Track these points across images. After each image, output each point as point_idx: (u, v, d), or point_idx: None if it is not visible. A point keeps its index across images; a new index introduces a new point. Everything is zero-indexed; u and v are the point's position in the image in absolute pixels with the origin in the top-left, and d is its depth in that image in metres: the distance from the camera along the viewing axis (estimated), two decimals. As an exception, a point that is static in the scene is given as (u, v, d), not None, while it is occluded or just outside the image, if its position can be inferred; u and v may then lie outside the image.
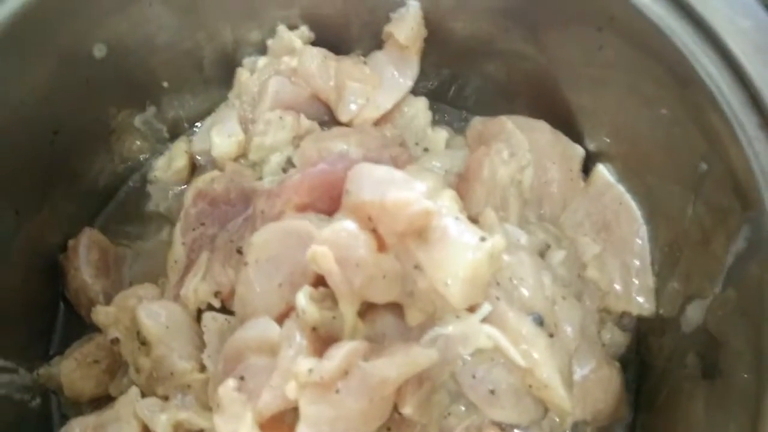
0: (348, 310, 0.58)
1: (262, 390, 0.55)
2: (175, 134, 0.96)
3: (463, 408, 0.61)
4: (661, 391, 0.72)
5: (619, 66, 0.72)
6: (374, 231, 0.58)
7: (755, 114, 0.52)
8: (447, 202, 0.62)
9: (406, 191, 0.56)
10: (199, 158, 0.93)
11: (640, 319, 0.77)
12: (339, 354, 0.53)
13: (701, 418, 0.64)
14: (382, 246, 0.58)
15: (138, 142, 0.93)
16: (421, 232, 0.56)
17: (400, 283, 0.58)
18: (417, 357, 0.55)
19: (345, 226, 0.58)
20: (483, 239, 0.55)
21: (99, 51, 0.79)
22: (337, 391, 0.53)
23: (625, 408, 0.73)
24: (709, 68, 0.56)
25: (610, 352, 0.76)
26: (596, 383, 0.68)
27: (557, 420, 0.66)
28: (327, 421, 0.54)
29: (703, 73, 0.56)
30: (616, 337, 0.77)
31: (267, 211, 0.67)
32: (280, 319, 0.60)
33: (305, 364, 0.53)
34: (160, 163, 0.93)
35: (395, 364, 0.54)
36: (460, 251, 0.54)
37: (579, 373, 0.67)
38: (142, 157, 0.95)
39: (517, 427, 0.62)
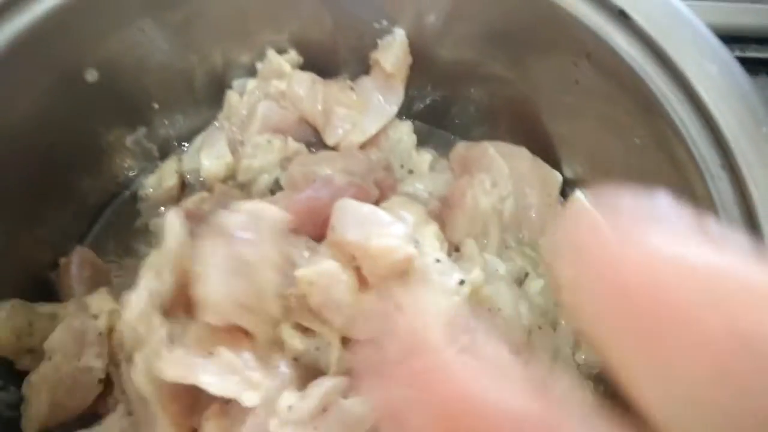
0: (333, 345, 0.60)
1: (246, 417, 0.57)
2: (164, 152, 0.98)
3: (441, 430, 0.64)
4: (631, 409, 0.75)
5: (594, 98, 0.75)
6: (357, 269, 0.60)
7: (719, 155, 0.55)
8: (429, 240, 0.64)
9: (388, 237, 0.58)
10: (189, 176, 0.95)
11: (615, 342, 0.79)
12: (317, 393, 0.55)
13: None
14: (364, 284, 0.60)
15: (128, 161, 0.95)
16: (402, 274, 0.58)
17: (381, 321, 0.60)
18: None
19: (326, 268, 0.59)
20: (462, 282, 0.57)
21: (91, 75, 0.81)
22: (315, 429, 0.55)
23: (598, 428, 0.76)
24: (678, 109, 0.59)
25: (585, 372, 0.78)
26: (570, 405, 0.70)
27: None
28: (307, 458, 0.56)
29: (672, 112, 0.59)
30: (590, 358, 0.79)
31: (253, 235, 0.69)
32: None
33: (286, 400, 0.55)
34: (150, 181, 0.95)
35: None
36: (439, 295, 0.57)
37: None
38: (131, 174, 0.97)
39: (493, 449, 0.64)
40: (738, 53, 0.94)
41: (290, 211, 0.69)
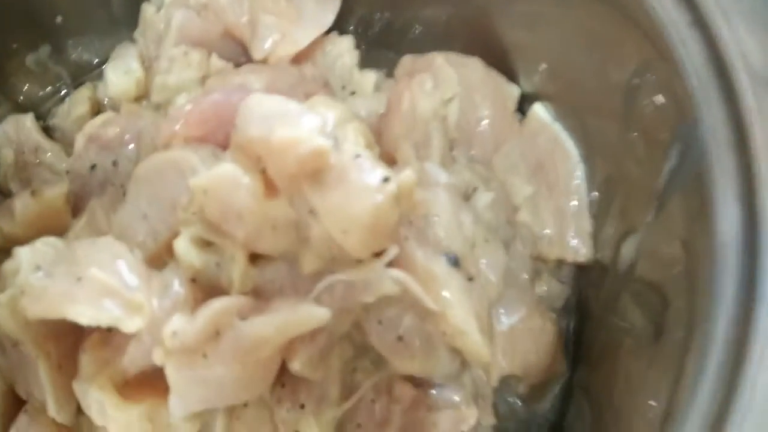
0: (238, 259, 0.51)
1: (128, 344, 0.48)
2: (78, 78, 0.87)
3: (370, 362, 0.54)
4: (598, 345, 0.66)
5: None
6: (264, 172, 0.50)
7: (687, 11, 0.46)
8: (351, 135, 0.54)
9: (295, 127, 0.48)
10: (108, 102, 0.84)
11: (580, 270, 0.71)
12: (207, 314, 0.46)
13: (641, 375, 0.58)
14: (272, 190, 0.50)
15: (34, 86, 0.83)
16: (316, 173, 0.48)
17: (294, 230, 0.50)
18: (304, 316, 0.47)
19: (222, 172, 0.49)
20: (386, 179, 0.47)
21: (-33, -27, 0.70)
22: (205, 356, 0.46)
23: (561, 362, 0.67)
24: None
25: (547, 304, 0.70)
26: (526, 333, 0.61)
27: (483, 376, 0.60)
28: (197, 390, 0.47)
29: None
30: (553, 289, 0.70)
31: (152, 144, 0.59)
32: (155, 261, 0.52)
33: (171, 324, 0.46)
34: (60, 110, 0.84)
35: (275, 324, 0.46)
36: (359, 195, 0.46)
37: (506, 323, 0.60)
38: (46, 104, 0.86)
39: (432, 382, 0.55)
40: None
41: (194, 115, 0.59)
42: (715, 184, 0.41)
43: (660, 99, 0.49)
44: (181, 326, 0.46)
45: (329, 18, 0.80)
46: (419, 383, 0.56)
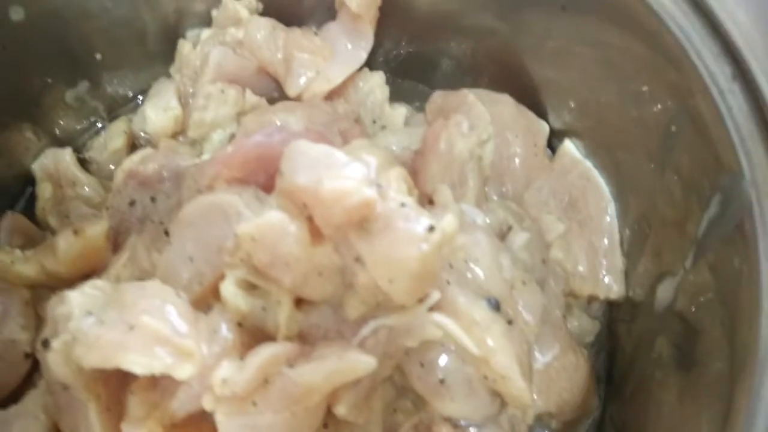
0: (284, 303, 0.52)
1: (177, 389, 0.49)
2: (113, 111, 0.89)
3: (410, 403, 0.55)
4: (630, 380, 0.67)
5: (581, 28, 0.67)
6: (310, 219, 0.51)
7: (728, 64, 0.46)
8: (394, 183, 0.55)
9: (343, 179, 0.48)
10: (143, 135, 0.86)
11: (611, 305, 0.71)
12: (256, 363, 0.47)
13: (674, 409, 0.58)
14: (318, 236, 0.51)
15: (71, 120, 0.85)
16: (362, 221, 0.49)
17: (339, 277, 0.51)
18: (351, 364, 0.48)
19: (270, 220, 0.50)
20: (431, 229, 0.48)
21: (16, 14, 0.71)
22: (254, 404, 0.46)
23: (593, 398, 0.67)
24: (677, 16, 0.50)
25: (578, 340, 0.70)
26: (560, 371, 0.62)
27: (518, 415, 0.60)
28: (247, 437, 0.47)
29: (672, 22, 0.50)
30: (584, 325, 0.71)
31: (195, 186, 0.60)
32: (200, 303, 0.53)
33: (222, 372, 0.46)
34: (96, 143, 0.86)
35: (323, 373, 0.47)
36: (405, 245, 0.47)
37: (541, 361, 0.61)
38: (82, 137, 0.88)
39: (472, 423, 0.55)
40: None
41: (236, 157, 0.60)
42: (759, 238, 0.42)
43: (699, 148, 0.49)
44: (230, 374, 0.46)
45: (362, 55, 0.81)
46: (458, 423, 0.56)
